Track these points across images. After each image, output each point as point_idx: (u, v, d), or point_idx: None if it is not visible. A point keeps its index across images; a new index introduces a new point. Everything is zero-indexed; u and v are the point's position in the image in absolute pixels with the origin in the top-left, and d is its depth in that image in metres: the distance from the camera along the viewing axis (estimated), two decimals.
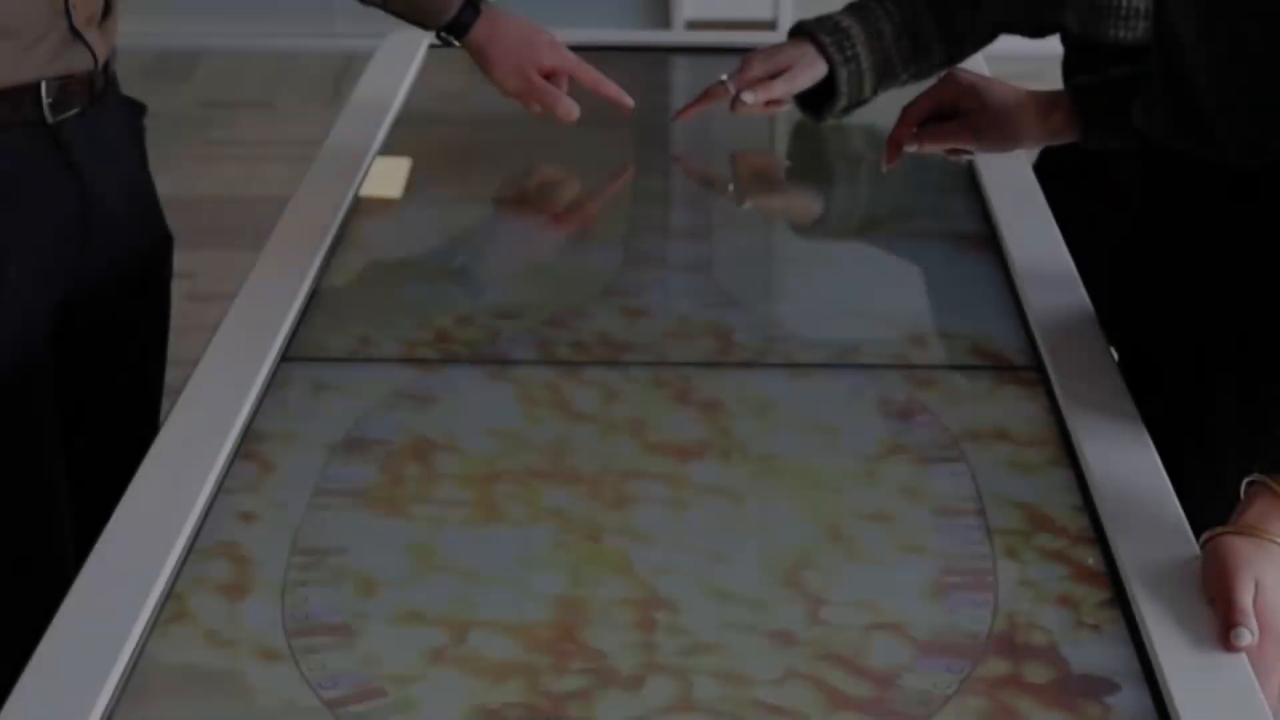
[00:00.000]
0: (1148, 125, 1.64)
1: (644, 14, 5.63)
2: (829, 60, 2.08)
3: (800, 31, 2.11)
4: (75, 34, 1.80)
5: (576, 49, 2.39)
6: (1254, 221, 1.54)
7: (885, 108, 2.05)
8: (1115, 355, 1.74)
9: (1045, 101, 1.84)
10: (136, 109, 1.99)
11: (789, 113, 2.21)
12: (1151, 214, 1.66)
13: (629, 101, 2.16)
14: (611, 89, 2.16)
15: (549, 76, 2.14)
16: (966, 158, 1.99)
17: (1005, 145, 1.86)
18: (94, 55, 1.83)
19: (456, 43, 2.15)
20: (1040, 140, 1.86)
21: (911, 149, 1.87)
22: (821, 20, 2.11)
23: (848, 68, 2.08)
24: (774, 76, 2.07)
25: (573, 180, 2.20)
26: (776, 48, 2.10)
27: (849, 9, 2.14)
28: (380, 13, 2.18)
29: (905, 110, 1.88)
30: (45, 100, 1.78)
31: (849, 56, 2.08)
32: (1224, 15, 1.51)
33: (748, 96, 2.06)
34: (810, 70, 2.08)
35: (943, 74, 1.91)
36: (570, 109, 2.13)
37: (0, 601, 1.86)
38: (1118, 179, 1.93)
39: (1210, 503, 1.36)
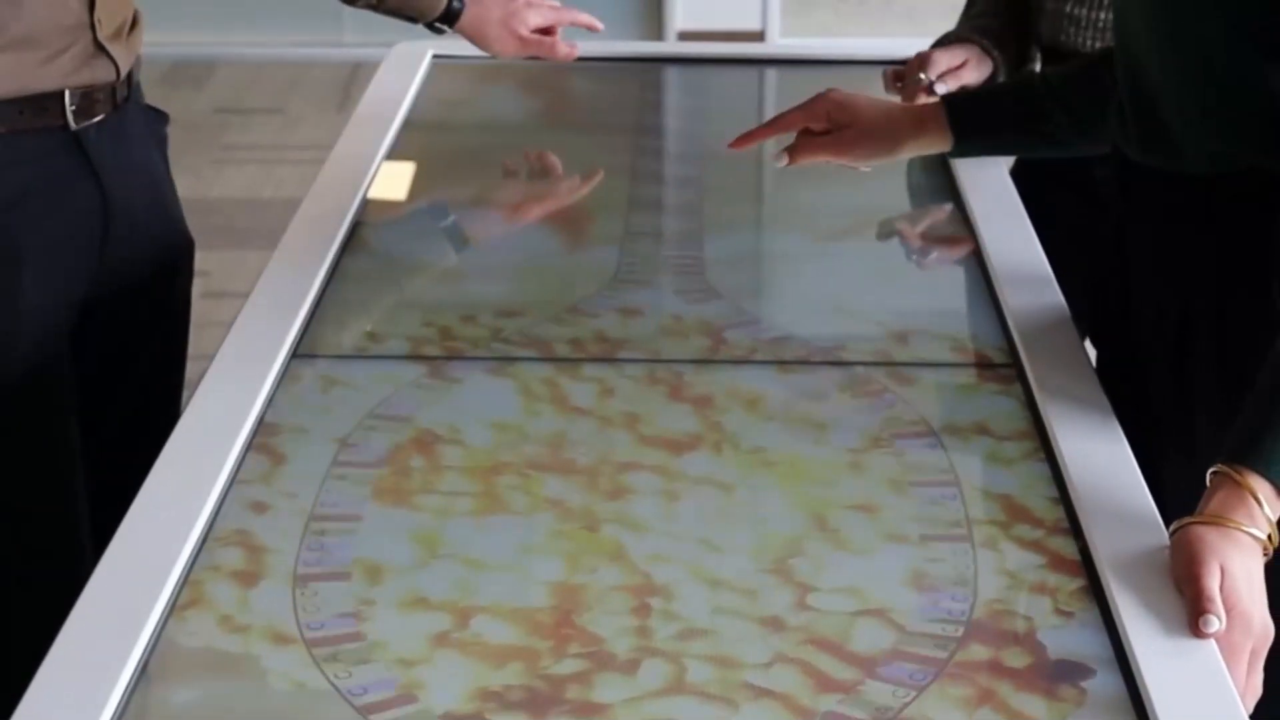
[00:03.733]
0: (1123, 144, 1.63)
1: (637, 25, 5.62)
2: (994, 62, 2.10)
3: (958, 39, 2.12)
4: (99, 47, 1.79)
5: (574, 60, 2.38)
6: (1228, 226, 1.53)
7: None
8: (1096, 355, 1.73)
9: (917, 114, 1.82)
10: (159, 117, 1.98)
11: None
12: (1129, 218, 1.66)
13: (598, 25, 2.33)
14: (584, 18, 2.34)
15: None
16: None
17: (878, 156, 1.81)
18: (116, 67, 1.82)
19: (448, 29, 2.25)
20: (913, 151, 1.82)
21: (782, 164, 1.81)
22: (969, 28, 2.13)
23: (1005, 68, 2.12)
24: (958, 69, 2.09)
25: (571, 183, 2.20)
26: (943, 50, 2.10)
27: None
28: (388, 24, 2.20)
29: (776, 118, 1.83)
30: (69, 108, 1.77)
31: (1002, 59, 2.12)
32: (1181, 33, 1.50)
33: (940, 87, 2.05)
34: (980, 69, 2.09)
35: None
36: (569, 51, 2.32)
37: (21, 590, 1.85)
38: (1097, 183, 1.92)
39: (1190, 499, 1.35)
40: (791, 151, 1.80)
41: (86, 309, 1.86)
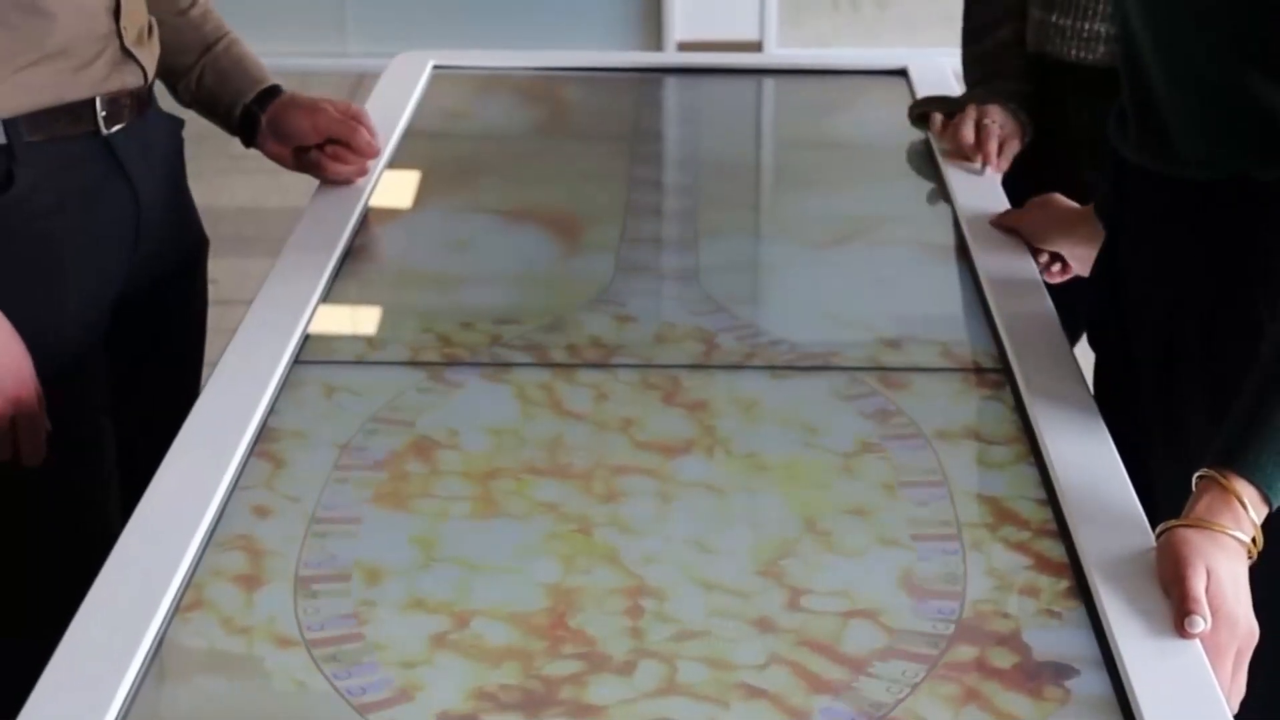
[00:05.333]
0: (1120, 143, 1.63)
1: (637, 35, 5.63)
2: (1021, 126, 2.14)
3: (988, 100, 2.15)
4: (126, 53, 1.81)
5: (573, 70, 2.39)
6: (1218, 230, 1.54)
7: (874, 122, 2.04)
8: (1093, 358, 1.73)
9: (1081, 211, 1.87)
10: (175, 122, 2.00)
11: (772, 129, 2.21)
12: (1124, 221, 1.66)
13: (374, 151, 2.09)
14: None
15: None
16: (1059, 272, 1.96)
17: (1045, 231, 1.90)
18: (144, 72, 1.84)
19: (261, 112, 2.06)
20: (1071, 239, 1.88)
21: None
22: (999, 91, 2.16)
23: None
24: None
25: (570, 191, 2.20)
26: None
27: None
28: (391, 34, 2.19)
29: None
30: (100, 114, 1.79)
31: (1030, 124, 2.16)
32: (1176, 40, 1.51)
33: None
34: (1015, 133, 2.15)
35: None
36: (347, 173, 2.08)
37: (56, 584, 1.84)
38: (1087, 185, 1.92)
39: (1182, 502, 1.35)
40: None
41: (121, 304, 1.87)
